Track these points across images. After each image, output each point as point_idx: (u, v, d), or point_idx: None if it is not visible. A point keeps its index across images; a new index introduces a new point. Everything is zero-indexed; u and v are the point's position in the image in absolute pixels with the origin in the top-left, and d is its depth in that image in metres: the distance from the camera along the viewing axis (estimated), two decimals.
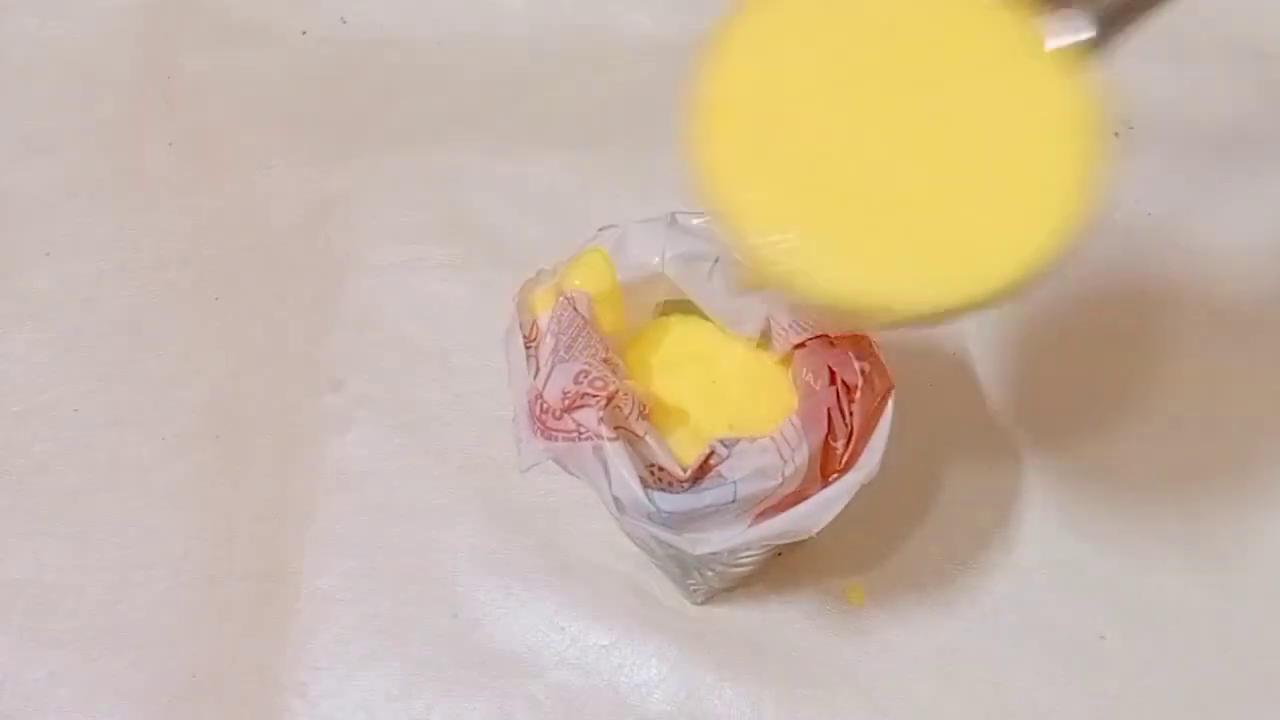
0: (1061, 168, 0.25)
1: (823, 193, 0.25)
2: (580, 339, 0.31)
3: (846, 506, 0.30)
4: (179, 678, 0.39)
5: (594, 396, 0.29)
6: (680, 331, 0.34)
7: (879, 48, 0.26)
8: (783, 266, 0.24)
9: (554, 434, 0.30)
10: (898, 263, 0.24)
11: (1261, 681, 0.38)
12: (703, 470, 0.29)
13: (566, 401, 0.30)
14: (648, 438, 0.30)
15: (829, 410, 0.30)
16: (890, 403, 0.31)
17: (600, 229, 0.33)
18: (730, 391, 0.33)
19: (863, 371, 0.30)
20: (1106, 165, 0.25)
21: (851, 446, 0.30)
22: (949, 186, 0.25)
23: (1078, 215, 0.24)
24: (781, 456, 0.29)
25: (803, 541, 0.33)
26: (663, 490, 0.29)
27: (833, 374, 0.30)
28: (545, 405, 0.30)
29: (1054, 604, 0.39)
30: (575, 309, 0.31)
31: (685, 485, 0.29)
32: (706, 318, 0.34)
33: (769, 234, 0.24)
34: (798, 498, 0.29)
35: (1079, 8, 0.25)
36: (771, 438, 0.29)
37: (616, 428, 0.29)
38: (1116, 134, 0.49)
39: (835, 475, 0.30)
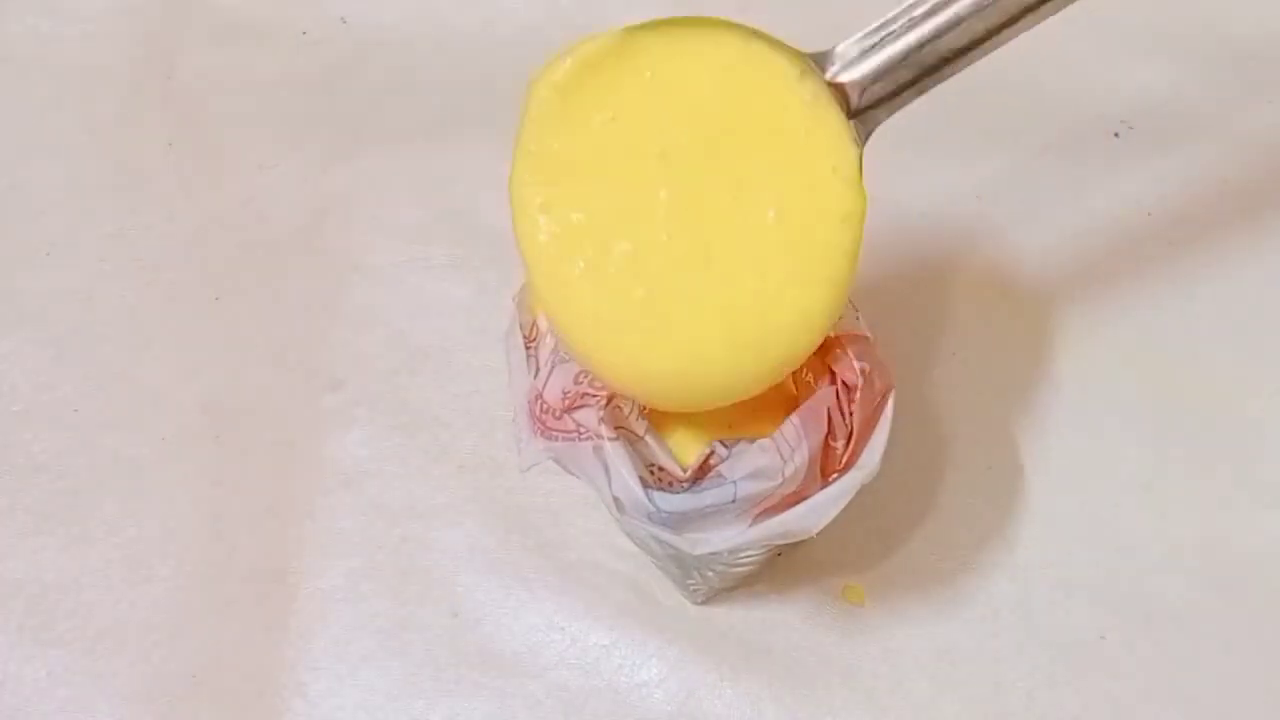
0: (819, 266, 0.27)
1: (606, 274, 0.27)
2: None
3: (846, 506, 0.30)
4: (179, 678, 0.39)
5: (594, 396, 0.29)
6: None
7: (685, 122, 0.27)
8: (564, 331, 0.27)
9: (554, 434, 0.30)
10: (663, 352, 0.27)
11: (1261, 681, 0.38)
12: (703, 470, 0.29)
13: (566, 401, 0.30)
14: (647, 437, 0.30)
15: (829, 410, 0.30)
16: (890, 403, 0.31)
17: None
18: None
19: (863, 371, 0.30)
20: (854, 261, 0.27)
21: (851, 446, 0.30)
22: (719, 280, 0.27)
23: (826, 313, 0.27)
24: (781, 456, 0.29)
25: (803, 541, 0.33)
26: (663, 490, 0.29)
27: (833, 374, 0.30)
28: (545, 405, 0.30)
29: (1054, 604, 0.39)
30: None
31: (685, 485, 0.29)
32: None
33: (559, 300, 0.27)
34: (798, 498, 0.29)
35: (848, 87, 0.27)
36: (771, 438, 0.29)
37: (616, 428, 0.29)
38: (1116, 134, 0.50)
39: (835, 475, 0.30)
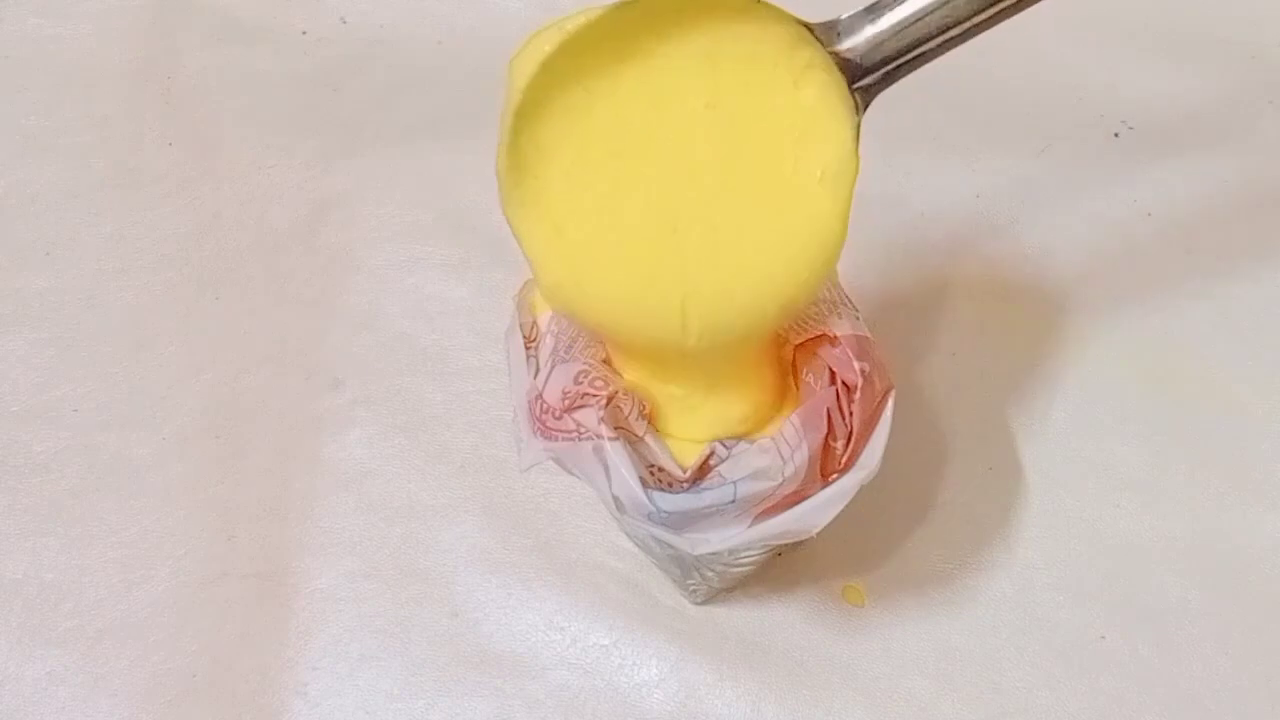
0: (805, 232, 0.27)
1: (602, 229, 0.27)
2: (580, 339, 0.31)
3: (846, 506, 0.30)
4: (179, 678, 0.39)
5: (594, 396, 0.29)
6: None
7: (677, 115, 0.27)
8: (550, 285, 0.27)
9: (554, 434, 0.30)
10: (655, 298, 0.27)
11: (1261, 681, 0.38)
12: (702, 471, 0.29)
13: (566, 401, 0.30)
14: (647, 438, 0.30)
15: (829, 410, 0.30)
16: (890, 403, 0.31)
17: None
18: None
19: (863, 371, 0.30)
20: (843, 226, 0.27)
21: (851, 446, 0.30)
22: (711, 235, 0.27)
23: (811, 275, 0.27)
24: (781, 457, 0.29)
25: (803, 541, 0.33)
26: (663, 490, 0.29)
27: (833, 374, 0.30)
28: (545, 405, 0.30)
29: (1054, 604, 0.39)
30: None
31: (685, 486, 0.29)
32: None
33: (549, 254, 0.27)
34: (798, 498, 0.29)
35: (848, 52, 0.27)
36: (771, 438, 0.29)
37: (616, 428, 0.29)
38: (1116, 134, 0.50)
39: (835, 475, 0.30)
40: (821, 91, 0.27)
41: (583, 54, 0.26)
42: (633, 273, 0.27)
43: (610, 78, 0.26)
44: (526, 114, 0.26)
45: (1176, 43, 0.51)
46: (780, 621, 0.39)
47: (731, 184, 0.27)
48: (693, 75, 0.26)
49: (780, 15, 0.26)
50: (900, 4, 0.27)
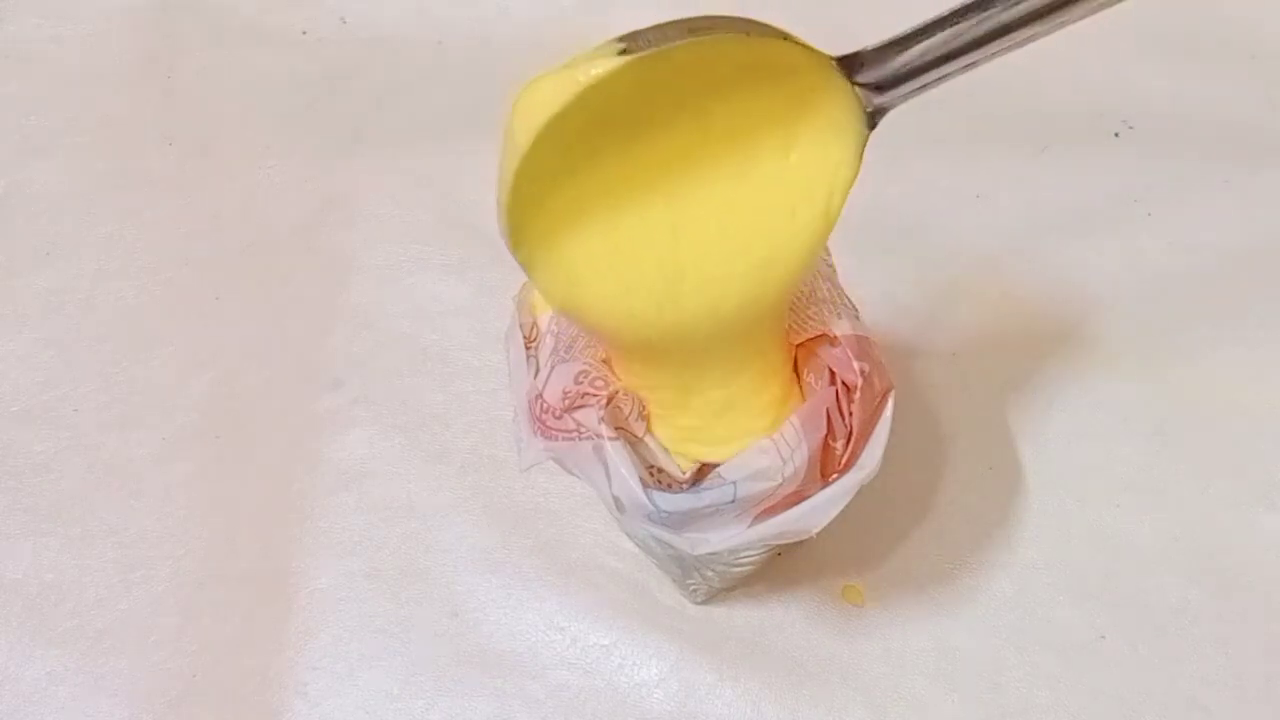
0: (786, 229, 0.27)
1: (604, 253, 0.27)
2: (580, 339, 0.31)
3: (846, 506, 0.30)
4: (179, 678, 0.39)
5: (594, 396, 0.29)
6: None
7: (685, 146, 0.26)
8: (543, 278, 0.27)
9: (554, 434, 0.30)
10: (635, 288, 0.27)
11: (1261, 681, 0.38)
12: (702, 471, 0.29)
13: (566, 401, 0.30)
14: (647, 439, 0.30)
15: (828, 411, 0.30)
16: (890, 403, 0.31)
17: None
18: None
19: (862, 372, 0.30)
20: (829, 226, 0.27)
21: (851, 447, 0.30)
22: (714, 242, 0.27)
23: (786, 274, 0.27)
24: (781, 457, 0.29)
25: (803, 541, 0.33)
26: (662, 490, 0.29)
27: (833, 374, 0.30)
28: (545, 405, 0.30)
29: (1054, 604, 0.39)
30: None
31: (685, 486, 0.29)
32: None
33: (543, 252, 0.27)
34: (798, 498, 0.29)
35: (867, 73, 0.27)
36: (771, 438, 0.29)
37: (616, 428, 0.29)
38: (1116, 134, 0.50)
39: (835, 475, 0.30)
40: (832, 111, 0.27)
41: (588, 97, 0.25)
42: (634, 285, 0.27)
43: (615, 117, 0.26)
44: (530, 158, 0.25)
45: (1176, 43, 0.51)
46: (780, 621, 0.39)
47: (733, 189, 0.27)
48: (702, 104, 0.26)
49: (803, 46, 0.26)
50: (923, 38, 0.26)
